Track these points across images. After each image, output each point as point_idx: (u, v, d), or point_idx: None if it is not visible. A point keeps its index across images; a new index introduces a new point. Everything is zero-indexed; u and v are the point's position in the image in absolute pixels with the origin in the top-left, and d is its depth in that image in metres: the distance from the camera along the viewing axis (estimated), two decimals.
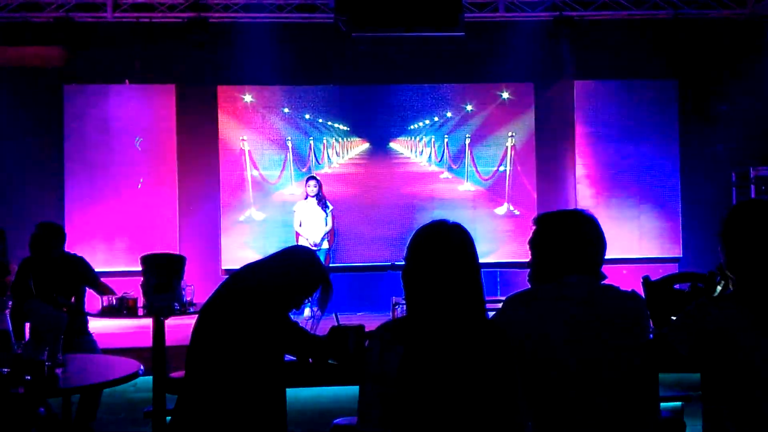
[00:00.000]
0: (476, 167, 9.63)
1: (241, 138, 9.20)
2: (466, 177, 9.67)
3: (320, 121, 9.31)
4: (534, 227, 2.39)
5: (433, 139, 9.52)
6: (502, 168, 9.61)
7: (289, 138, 9.31)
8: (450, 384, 1.96)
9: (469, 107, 9.47)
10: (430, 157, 9.58)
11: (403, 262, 2.13)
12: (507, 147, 9.54)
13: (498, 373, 2.00)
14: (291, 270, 2.70)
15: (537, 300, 2.27)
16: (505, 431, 1.99)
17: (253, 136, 9.22)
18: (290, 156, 9.30)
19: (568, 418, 2.15)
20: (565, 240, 2.28)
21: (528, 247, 2.38)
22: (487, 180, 9.65)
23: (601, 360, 2.17)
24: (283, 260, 2.73)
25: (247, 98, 9.19)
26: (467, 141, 9.60)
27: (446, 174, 9.67)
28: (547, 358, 2.17)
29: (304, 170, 9.22)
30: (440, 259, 2.06)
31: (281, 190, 9.28)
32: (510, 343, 2.06)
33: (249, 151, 9.22)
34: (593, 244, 2.29)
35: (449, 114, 9.47)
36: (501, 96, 9.42)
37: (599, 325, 2.19)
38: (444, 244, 2.08)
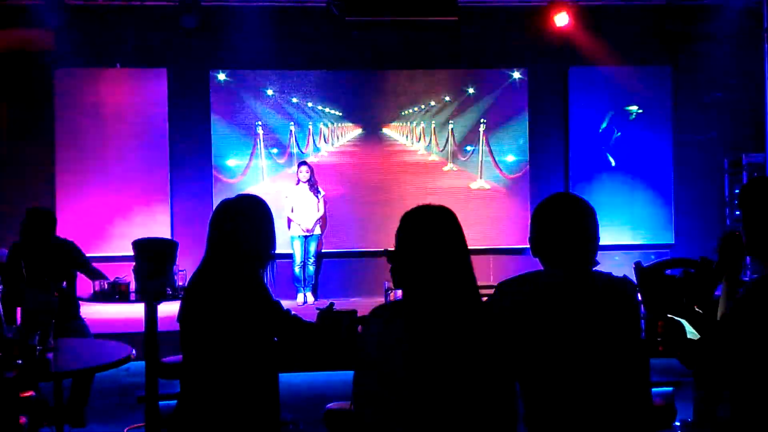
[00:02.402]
0: (494, 158, 8.83)
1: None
2: (480, 172, 8.95)
3: (309, 105, 9.08)
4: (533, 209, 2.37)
5: (433, 126, 9.12)
6: (515, 159, 8.97)
7: (258, 122, 9.03)
8: (446, 367, 1.96)
9: (470, 90, 9.15)
10: (429, 145, 9.08)
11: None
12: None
13: (494, 356, 2.00)
14: (237, 229, 2.67)
15: (529, 286, 2.26)
16: (501, 414, 2.00)
17: (240, 121, 9.13)
18: (261, 143, 9.00)
19: (559, 404, 2.15)
20: (558, 228, 2.27)
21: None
22: (512, 178, 9.06)
23: (591, 347, 2.16)
24: (226, 226, 2.69)
25: (237, 82, 9.12)
26: (482, 128, 8.94)
27: (451, 166, 9.06)
28: (538, 344, 2.17)
29: (282, 161, 9.06)
30: (427, 243, 2.04)
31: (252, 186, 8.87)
32: (502, 331, 2.06)
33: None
34: (585, 231, 2.28)
35: (447, 98, 9.18)
36: (497, 80, 9.33)
37: (590, 311, 2.19)
38: (430, 228, 2.07)
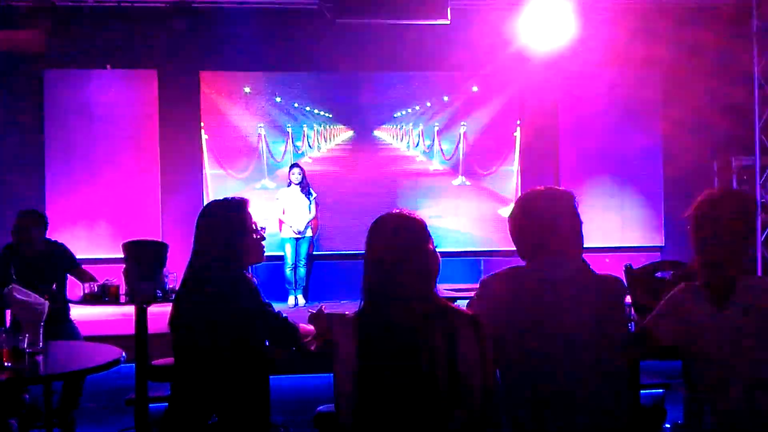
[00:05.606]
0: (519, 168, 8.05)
1: (201, 126, 8.95)
2: (515, 192, 8.08)
3: (296, 105, 9.05)
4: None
5: (436, 131, 8.81)
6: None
7: (262, 125, 9.00)
8: (404, 373, 2.01)
9: (475, 88, 8.97)
10: (432, 152, 8.61)
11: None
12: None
13: (468, 359, 2.02)
14: (216, 234, 2.67)
15: (510, 280, 2.24)
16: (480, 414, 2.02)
17: (232, 122, 9.11)
18: (263, 145, 8.99)
19: (542, 399, 2.13)
20: (535, 218, 2.25)
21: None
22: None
23: (572, 342, 2.14)
24: (206, 232, 2.69)
25: (229, 84, 9.10)
26: (518, 134, 7.87)
27: (463, 179, 8.17)
28: (518, 339, 2.15)
29: (279, 160, 9.06)
30: (398, 248, 2.14)
31: (252, 184, 9.00)
32: (482, 329, 2.06)
33: (206, 140, 8.91)
34: (566, 221, 2.26)
35: (445, 98, 9.07)
36: (484, 84, 9.33)
37: (572, 306, 2.16)
38: (402, 235, 2.15)
